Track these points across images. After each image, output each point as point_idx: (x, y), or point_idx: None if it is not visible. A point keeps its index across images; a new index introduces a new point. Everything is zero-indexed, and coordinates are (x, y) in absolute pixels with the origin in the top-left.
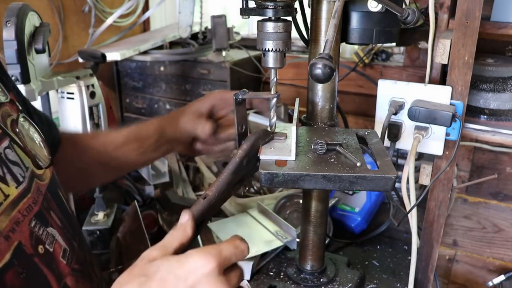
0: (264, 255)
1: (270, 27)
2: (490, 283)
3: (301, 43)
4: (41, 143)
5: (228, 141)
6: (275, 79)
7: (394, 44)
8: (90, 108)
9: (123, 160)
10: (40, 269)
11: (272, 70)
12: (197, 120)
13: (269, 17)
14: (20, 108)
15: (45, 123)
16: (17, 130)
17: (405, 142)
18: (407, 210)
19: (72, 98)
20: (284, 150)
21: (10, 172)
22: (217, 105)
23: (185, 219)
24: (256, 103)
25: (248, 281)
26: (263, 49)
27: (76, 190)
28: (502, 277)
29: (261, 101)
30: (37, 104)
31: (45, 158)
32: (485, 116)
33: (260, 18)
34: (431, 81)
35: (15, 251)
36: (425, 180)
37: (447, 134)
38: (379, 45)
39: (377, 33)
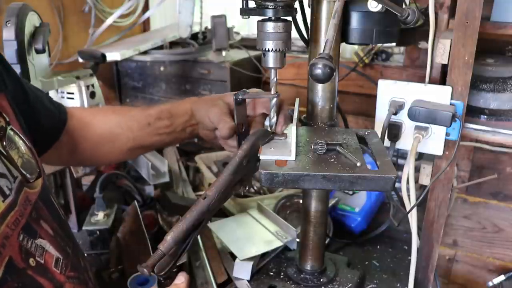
0: (264, 255)
1: (270, 27)
2: (490, 283)
3: (301, 43)
4: (29, 155)
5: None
6: (275, 79)
7: (394, 44)
8: None
9: (149, 138)
10: (36, 281)
11: (272, 70)
12: (223, 116)
13: (269, 17)
14: (8, 119)
15: (51, 106)
16: (4, 143)
17: (405, 142)
18: (407, 210)
19: (72, 98)
20: (284, 150)
21: None
22: (250, 104)
23: (180, 281)
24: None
25: (248, 281)
26: (263, 49)
27: (93, 164)
28: (502, 277)
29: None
30: None
31: (33, 171)
32: (485, 116)
33: (260, 18)
34: (431, 81)
35: (7, 266)
36: (425, 180)
37: (447, 134)
38: (379, 45)
39: (377, 33)
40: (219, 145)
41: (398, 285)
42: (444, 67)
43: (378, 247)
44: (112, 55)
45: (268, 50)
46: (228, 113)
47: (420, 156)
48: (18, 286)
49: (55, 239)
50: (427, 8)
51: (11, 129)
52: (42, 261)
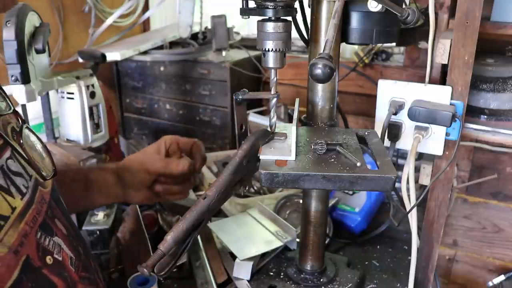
0: (264, 255)
1: (270, 27)
2: (490, 283)
3: (301, 43)
4: (44, 154)
5: (186, 182)
6: (275, 79)
7: (394, 44)
8: (90, 108)
9: (68, 198)
10: (51, 281)
11: (272, 70)
12: (167, 159)
13: (269, 17)
14: (24, 118)
15: None
16: (21, 141)
17: (405, 142)
18: (407, 210)
19: (72, 98)
20: (284, 150)
21: (13, 184)
22: (172, 148)
23: None
24: None
25: (248, 281)
26: (263, 49)
27: None
28: (502, 277)
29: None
30: (37, 104)
31: (49, 169)
32: (485, 116)
33: (260, 18)
34: (431, 81)
35: (23, 265)
36: (425, 180)
37: (447, 134)
38: (379, 45)
39: (377, 33)
40: (161, 198)
41: (398, 285)
42: (444, 67)
43: (378, 247)
44: (112, 55)
45: (268, 50)
46: (166, 155)
47: (420, 156)
48: (32, 286)
49: (68, 239)
50: (427, 8)
51: (27, 127)
52: (60, 258)
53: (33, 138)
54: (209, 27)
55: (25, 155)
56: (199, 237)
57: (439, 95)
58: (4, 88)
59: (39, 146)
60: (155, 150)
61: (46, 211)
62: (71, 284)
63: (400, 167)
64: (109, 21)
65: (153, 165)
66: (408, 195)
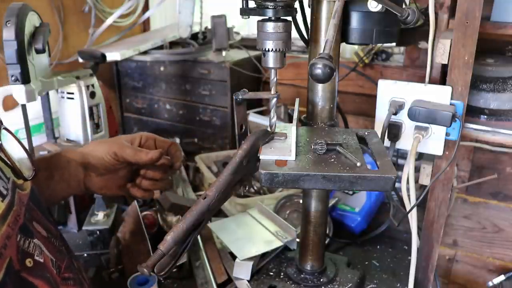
0: (264, 255)
1: (270, 27)
2: (490, 283)
3: (301, 43)
4: (23, 155)
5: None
6: (275, 79)
7: (394, 44)
8: (90, 108)
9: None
10: (31, 283)
11: (272, 70)
12: (137, 148)
13: (269, 17)
14: (1, 119)
15: None
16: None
17: (405, 142)
18: (407, 210)
19: (72, 98)
20: (284, 150)
21: None
22: (147, 144)
23: None
24: None
25: (248, 281)
26: (263, 49)
27: None
28: (502, 277)
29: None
30: (37, 104)
31: (29, 170)
32: (485, 116)
33: (260, 18)
34: (431, 81)
35: (7, 268)
36: (425, 180)
37: (447, 134)
38: (379, 45)
39: (377, 33)
40: (117, 194)
41: (398, 285)
42: (444, 67)
43: (378, 247)
44: (112, 55)
45: (268, 50)
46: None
47: (420, 156)
48: None
49: (49, 241)
50: (427, 8)
51: (5, 128)
52: (42, 260)
53: (12, 139)
54: (209, 27)
55: (4, 157)
56: (199, 237)
57: (439, 95)
58: (4, 88)
59: (18, 148)
60: (127, 139)
61: (25, 213)
62: (54, 285)
63: (400, 167)
64: (109, 21)
65: (121, 150)
66: (408, 195)
